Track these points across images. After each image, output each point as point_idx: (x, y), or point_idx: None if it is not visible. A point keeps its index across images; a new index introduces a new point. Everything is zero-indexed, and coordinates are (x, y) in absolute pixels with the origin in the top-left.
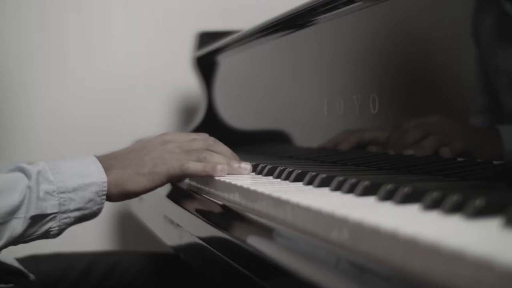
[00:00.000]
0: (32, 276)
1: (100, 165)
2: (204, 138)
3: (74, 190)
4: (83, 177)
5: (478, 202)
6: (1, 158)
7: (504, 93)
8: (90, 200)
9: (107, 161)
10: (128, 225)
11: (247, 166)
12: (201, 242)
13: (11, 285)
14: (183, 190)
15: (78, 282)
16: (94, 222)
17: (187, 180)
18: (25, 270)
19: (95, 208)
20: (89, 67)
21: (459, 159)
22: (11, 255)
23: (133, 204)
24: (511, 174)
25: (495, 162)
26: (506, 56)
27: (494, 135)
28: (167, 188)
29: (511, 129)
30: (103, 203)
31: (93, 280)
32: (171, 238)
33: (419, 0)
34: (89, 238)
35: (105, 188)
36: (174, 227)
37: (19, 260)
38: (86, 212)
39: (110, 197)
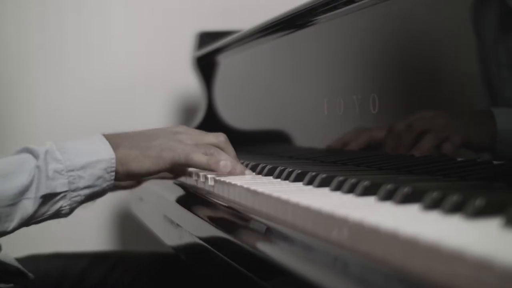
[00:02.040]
0: (32, 276)
1: (107, 142)
2: (216, 135)
3: (83, 167)
4: (91, 155)
5: (478, 202)
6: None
7: (505, 92)
8: (99, 177)
9: (115, 139)
10: (128, 225)
11: (250, 175)
12: (201, 242)
13: (11, 285)
14: (183, 190)
15: (78, 282)
16: (94, 222)
17: (187, 181)
18: (25, 270)
19: (104, 185)
20: (89, 67)
21: (459, 159)
22: (11, 255)
23: (133, 204)
24: (511, 174)
25: (495, 162)
26: (507, 53)
27: (492, 133)
28: (167, 188)
29: (509, 126)
30: (112, 180)
31: (92, 280)
32: (171, 238)
33: (419, 0)
34: (89, 238)
35: (114, 165)
36: (174, 227)
37: (19, 260)
38: (95, 189)
39: (115, 175)
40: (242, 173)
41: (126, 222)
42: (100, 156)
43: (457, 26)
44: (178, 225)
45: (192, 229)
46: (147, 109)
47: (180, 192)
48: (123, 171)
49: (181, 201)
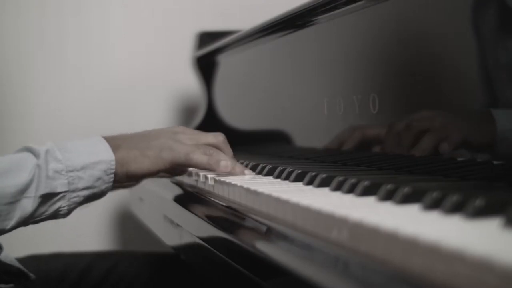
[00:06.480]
0: (32, 276)
1: (107, 144)
2: (215, 135)
3: (83, 168)
4: (91, 156)
5: (478, 202)
6: None
7: (504, 91)
8: (99, 179)
9: (114, 141)
10: (128, 225)
11: (250, 175)
12: (201, 242)
13: (11, 285)
14: (183, 190)
15: (78, 282)
16: (94, 222)
17: (187, 180)
18: (26, 270)
19: (103, 187)
20: (89, 67)
21: (459, 159)
22: (11, 255)
23: (133, 204)
24: (511, 174)
25: (495, 162)
26: (507, 52)
27: (492, 132)
28: (167, 188)
29: (509, 125)
30: (111, 182)
31: (93, 280)
32: (171, 238)
33: (419, 0)
34: (89, 238)
35: (113, 166)
36: (174, 227)
37: (19, 260)
38: (95, 190)
39: (114, 177)
40: (242, 173)
41: (126, 222)
42: (100, 157)
43: (456, 26)
44: (178, 225)
45: (192, 229)
46: (147, 109)
47: (180, 192)
48: (123, 172)
49: (181, 201)
